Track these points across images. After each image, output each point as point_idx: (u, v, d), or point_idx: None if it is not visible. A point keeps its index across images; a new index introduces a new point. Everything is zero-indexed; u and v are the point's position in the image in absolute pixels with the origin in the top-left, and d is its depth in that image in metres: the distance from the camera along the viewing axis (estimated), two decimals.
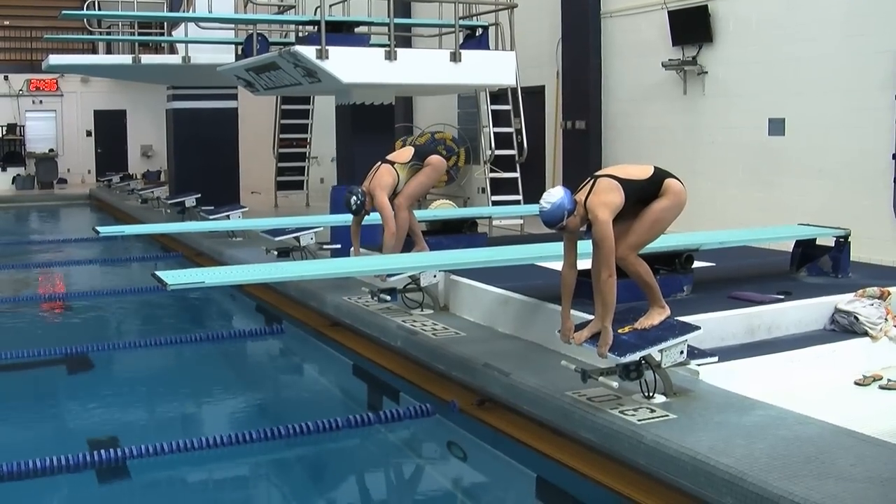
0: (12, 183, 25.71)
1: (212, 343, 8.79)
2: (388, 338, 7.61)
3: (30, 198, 24.60)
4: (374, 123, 11.74)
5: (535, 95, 15.71)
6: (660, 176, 5.65)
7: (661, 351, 5.23)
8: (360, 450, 6.14)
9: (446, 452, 6.31)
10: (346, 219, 9.13)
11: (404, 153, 8.89)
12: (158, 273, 6.42)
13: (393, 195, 8.64)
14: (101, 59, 20.22)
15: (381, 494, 5.77)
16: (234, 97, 17.52)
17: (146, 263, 13.44)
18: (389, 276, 7.80)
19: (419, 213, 9.73)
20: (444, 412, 6.32)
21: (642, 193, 5.54)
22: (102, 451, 5.49)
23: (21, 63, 26.49)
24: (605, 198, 5.36)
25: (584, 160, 14.28)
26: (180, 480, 5.67)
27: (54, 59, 16.56)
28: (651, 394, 5.26)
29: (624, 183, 5.45)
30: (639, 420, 4.95)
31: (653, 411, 5.07)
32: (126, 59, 16.11)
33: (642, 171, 5.64)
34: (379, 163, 8.82)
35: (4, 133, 26.30)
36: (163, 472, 5.55)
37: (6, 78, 26.47)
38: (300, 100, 18.63)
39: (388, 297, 7.87)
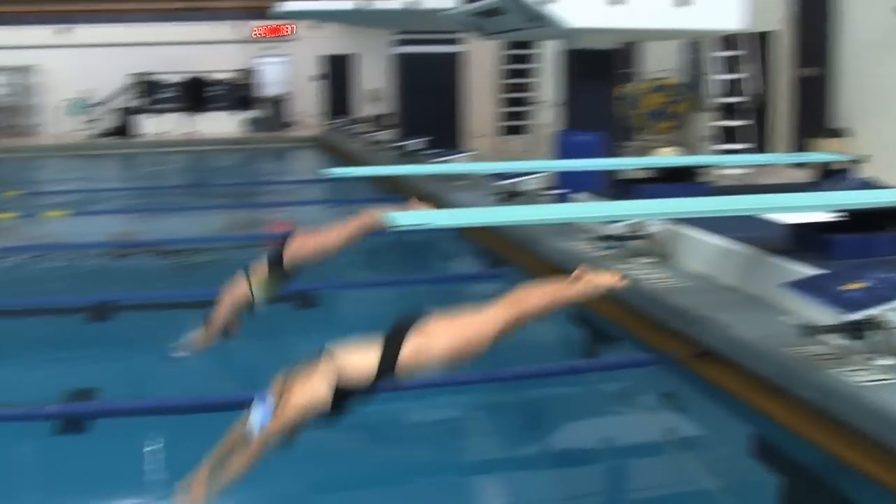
0: (244, 126, 27.11)
1: (433, 285, 9.03)
2: None
3: (260, 140, 25.85)
4: (596, 69, 11.70)
5: (762, 41, 15.15)
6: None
7: (891, 310, 5.06)
8: (575, 397, 6.22)
9: (662, 403, 6.34)
10: (572, 165, 9.13)
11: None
12: (386, 214, 6.62)
13: None
14: (329, 5, 20.90)
15: (594, 443, 5.86)
16: (460, 41, 17.76)
17: (371, 205, 13.88)
18: (611, 223, 7.84)
19: (645, 161, 9.56)
20: (661, 362, 6.35)
21: None
22: None
23: (251, 10, 27.69)
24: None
25: (815, 110, 13.72)
26: (396, 417, 5.87)
27: (285, 5, 17.23)
28: (876, 354, 5.11)
29: None
30: (861, 381, 4.84)
31: (877, 373, 4.94)
32: (351, 4, 16.58)
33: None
34: None
35: (237, 78, 27.71)
36: (379, 407, 5.79)
37: (237, 25, 27.87)
38: (525, 44, 18.70)
39: (611, 244, 7.93)
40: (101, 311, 8.27)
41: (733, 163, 12.88)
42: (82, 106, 26.73)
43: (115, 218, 13.73)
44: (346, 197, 14.83)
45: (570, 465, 5.56)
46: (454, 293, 9.14)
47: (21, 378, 6.79)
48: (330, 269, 10.14)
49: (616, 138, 12.32)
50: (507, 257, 9.74)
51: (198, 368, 6.29)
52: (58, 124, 26.96)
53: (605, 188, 9.65)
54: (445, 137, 16.22)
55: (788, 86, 14.79)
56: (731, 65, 14.41)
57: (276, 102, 27.63)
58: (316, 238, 6.21)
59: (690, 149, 16.57)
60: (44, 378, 6.71)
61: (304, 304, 8.33)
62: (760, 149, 13.33)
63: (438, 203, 12.15)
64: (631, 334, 7.00)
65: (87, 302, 8.53)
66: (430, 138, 16.14)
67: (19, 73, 27.76)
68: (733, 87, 14.19)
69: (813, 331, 5.22)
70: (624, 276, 4.56)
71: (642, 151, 14.72)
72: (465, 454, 5.70)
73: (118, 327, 7.96)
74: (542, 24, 10.91)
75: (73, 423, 5.74)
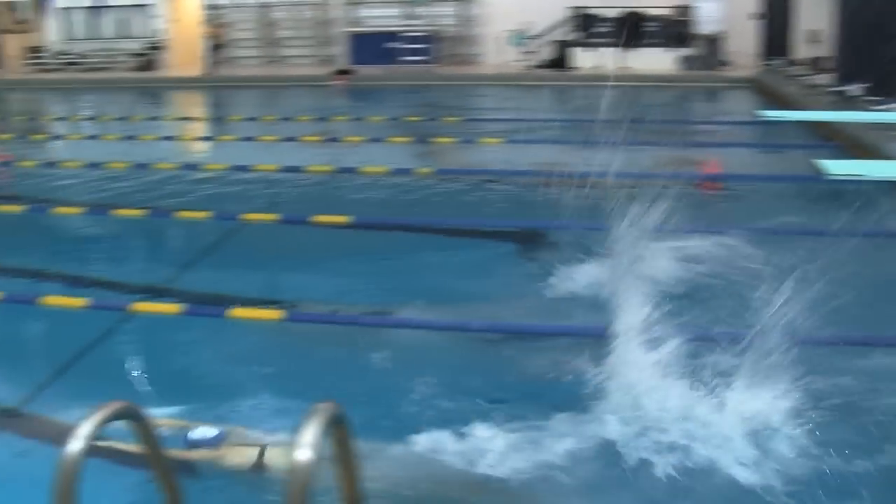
0: (678, 63, 26.90)
1: (862, 239, 8.63)
2: None
3: (693, 78, 25.56)
4: None
5: None
6: None
7: None
8: None
9: None
10: None
11: None
12: (820, 161, 6.46)
13: None
14: None
15: None
16: None
17: (804, 151, 13.45)
18: None
19: None
20: None
21: None
22: None
23: None
24: None
25: None
26: None
27: None
28: None
29: None
30: None
31: None
32: None
33: None
34: None
35: (673, 14, 27.48)
36: None
37: None
38: None
39: None
40: (531, 237, 8.80)
41: None
42: (521, 37, 27.83)
43: (546, 148, 14.32)
44: (779, 141, 14.44)
45: None
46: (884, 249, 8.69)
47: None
48: (755, 212, 10.04)
49: None
50: None
51: None
52: (498, 54, 28.32)
53: None
54: (888, 83, 15.19)
55: None
56: None
57: (712, 41, 27.12)
58: None
59: None
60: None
61: None
62: None
63: (877, 154, 11.51)
64: None
65: (516, 227, 9.12)
66: (870, 84, 15.22)
67: (464, 3, 29.41)
68: None
69: None
70: None
71: None
72: None
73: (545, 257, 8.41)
74: None
75: None
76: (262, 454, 4.94)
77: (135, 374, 6.33)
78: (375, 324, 7.02)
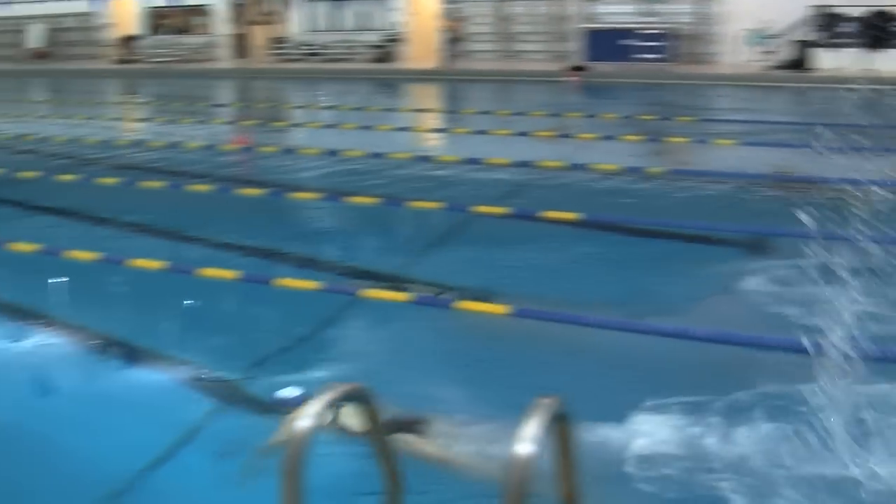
0: None
1: None
2: None
3: None
4: None
5: None
6: None
7: None
8: None
9: None
10: None
11: None
12: None
13: None
14: None
15: None
16: None
17: None
18: None
19: None
20: None
21: None
22: None
23: None
24: None
25: None
26: None
27: None
28: None
29: None
30: None
31: None
32: None
33: None
34: None
35: None
36: None
37: None
38: None
39: None
40: (757, 244, 8.51)
41: None
42: (760, 37, 26.88)
43: (782, 151, 13.77)
44: None
45: None
46: None
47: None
48: None
49: None
50: None
51: None
52: (734, 53, 27.46)
53: None
54: None
55: None
56: None
57: None
58: None
59: None
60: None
61: None
62: None
63: None
64: None
65: (746, 233, 8.84)
66: None
67: (703, 1, 28.65)
68: None
69: None
70: None
71: None
72: None
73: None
74: None
75: None
76: (336, 413, 4.95)
77: (356, 357, 6.53)
78: (599, 325, 6.96)
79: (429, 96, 25.65)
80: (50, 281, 8.55)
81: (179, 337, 7.01)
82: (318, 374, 6.01)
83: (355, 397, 3.30)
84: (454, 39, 29.02)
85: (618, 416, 5.27)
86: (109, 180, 12.81)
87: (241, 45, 34.79)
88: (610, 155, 13.49)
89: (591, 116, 18.42)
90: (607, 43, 27.31)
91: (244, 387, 6.01)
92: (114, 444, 5.38)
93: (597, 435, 4.93)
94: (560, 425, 3.02)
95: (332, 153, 14.29)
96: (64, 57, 38.13)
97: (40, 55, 37.58)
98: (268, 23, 34.95)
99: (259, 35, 34.49)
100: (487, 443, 5.05)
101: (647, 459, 4.85)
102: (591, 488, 3.25)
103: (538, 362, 6.30)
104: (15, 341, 7.09)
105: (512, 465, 2.73)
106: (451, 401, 5.58)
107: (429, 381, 5.96)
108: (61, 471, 5.10)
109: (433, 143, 17.14)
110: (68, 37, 38.74)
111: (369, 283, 7.94)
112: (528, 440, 2.77)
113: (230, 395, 5.95)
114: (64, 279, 8.58)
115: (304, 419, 3.02)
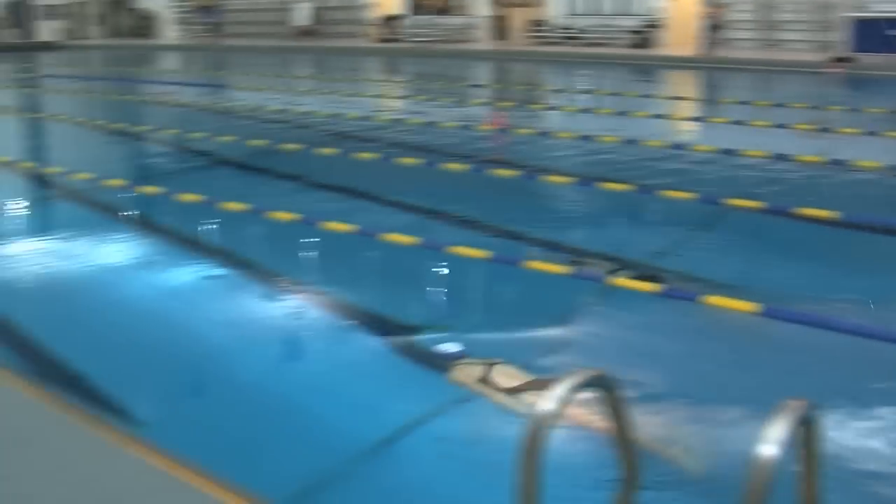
0: None
1: None
2: None
3: None
4: None
5: None
6: None
7: None
8: None
9: None
10: None
11: None
12: None
13: None
14: None
15: None
16: None
17: None
18: None
19: None
20: None
21: None
22: None
23: None
24: None
25: None
26: None
27: None
28: None
29: None
30: None
31: None
32: None
33: None
34: None
35: None
36: None
37: None
38: None
39: None
40: None
41: None
42: None
43: None
44: None
45: None
46: None
47: None
48: None
49: None
50: None
51: None
52: None
53: None
54: None
55: None
56: None
57: None
58: None
59: None
60: None
61: None
62: None
63: None
64: None
65: None
66: None
67: None
68: None
69: None
70: None
71: None
72: None
73: None
74: None
75: None
76: (488, 373, 5.66)
77: (596, 344, 6.51)
78: (854, 331, 6.63)
79: (686, 84, 25.11)
80: (304, 250, 9.02)
81: (426, 312, 7.22)
82: (561, 359, 6.06)
83: (599, 384, 3.30)
84: (714, 27, 28.24)
85: (872, 428, 5.03)
86: (367, 155, 13.33)
87: (499, 27, 35.22)
88: (873, 152, 12.77)
89: (855, 110, 17.47)
90: (875, 33, 25.80)
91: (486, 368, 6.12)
92: (358, 411, 5.63)
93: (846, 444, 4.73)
94: (807, 428, 2.93)
95: (586, 138, 14.27)
96: (328, 35, 39.90)
97: (306, 32, 39.45)
98: (527, 5, 35.20)
99: (518, 17, 34.79)
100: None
101: None
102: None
103: (787, 366, 6.09)
104: (268, 306, 7.51)
105: (754, 467, 2.69)
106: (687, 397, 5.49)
107: (668, 375, 5.87)
108: (304, 434, 5.37)
109: (688, 132, 16.78)
110: (332, 15, 40.47)
111: (615, 271, 7.90)
112: (772, 442, 2.71)
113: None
114: (318, 249, 9.03)
115: (548, 402, 3.05)
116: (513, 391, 5.53)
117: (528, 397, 5.36)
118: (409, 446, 5.17)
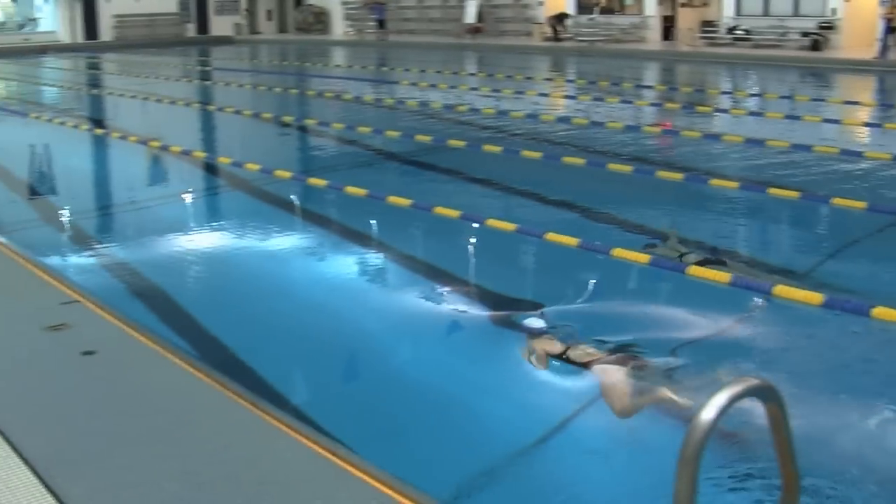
0: None
1: None
2: None
3: None
4: None
5: None
6: None
7: None
8: None
9: None
10: None
11: None
12: None
13: None
14: None
15: None
16: None
17: None
18: None
19: None
20: None
21: None
22: None
23: None
24: None
25: None
26: None
27: None
28: None
29: None
30: None
31: None
32: None
33: None
34: None
35: None
36: None
37: None
38: None
39: None
40: None
41: None
42: None
43: None
44: None
45: None
46: None
47: None
48: None
49: None
50: None
51: None
52: None
53: None
54: None
55: None
56: None
57: None
58: None
59: None
60: None
61: None
62: None
63: None
64: None
65: None
66: None
67: None
68: None
69: None
70: None
71: None
72: None
73: None
74: None
75: None
76: (566, 350, 6.22)
77: (760, 355, 6.38)
78: None
79: (861, 88, 24.17)
80: (464, 246, 9.15)
81: (586, 317, 7.17)
82: (722, 367, 5.97)
83: (761, 394, 3.27)
84: (892, 29, 27.05)
85: None
86: (532, 154, 13.38)
87: (669, 28, 34.72)
88: None
89: None
90: None
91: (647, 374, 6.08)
92: (516, 410, 5.70)
93: None
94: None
95: (756, 142, 13.95)
96: (496, 33, 40.10)
97: (474, 30, 39.76)
98: (696, 5, 34.57)
99: (689, 18, 34.20)
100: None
101: None
102: None
103: None
104: (430, 303, 7.60)
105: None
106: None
107: (833, 395, 5.70)
108: (465, 431, 5.46)
109: (862, 139, 16.19)
110: (500, 13, 40.66)
111: (780, 280, 7.71)
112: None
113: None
114: (478, 245, 9.14)
115: (710, 410, 3.04)
116: (585, 364, 5.97)
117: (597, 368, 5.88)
118: (559, 445, 5.22)
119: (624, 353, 6.05)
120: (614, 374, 5.79)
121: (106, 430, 4.48)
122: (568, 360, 6.09)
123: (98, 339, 5.72)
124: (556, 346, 6.27)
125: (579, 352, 6.12)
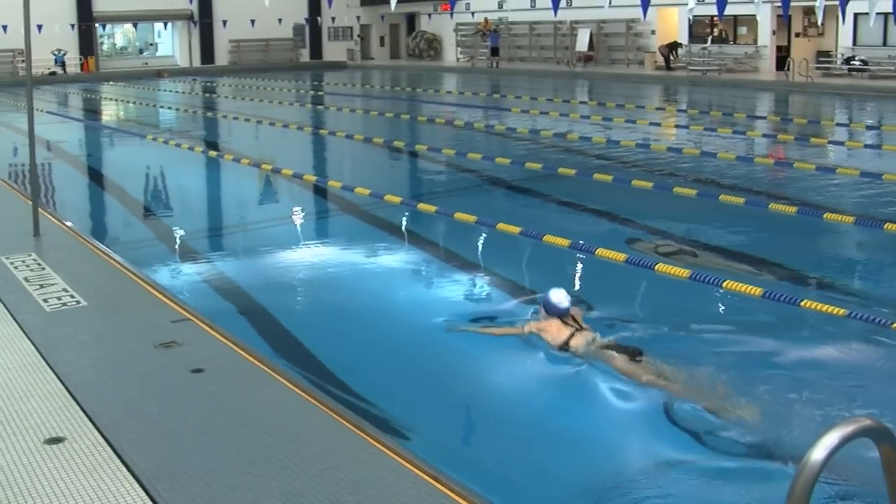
0: None
1: None
2: None
3: None
4: None
5: None
6: None
7: None
8: None
9: None
10: None
11: None
12: None
13: None
14: None
15: None
16: None
17: None
18: None
19: None
20: None
21: None
22: None
23: None
24: None
25: None
26: None
27: None
28: None
29: None
30: None
31: None
32: None
33: None
34: None
35: None
36: None
37: None
38: None
39: None
40: None
41: None
42: None
43: None
44: None
45: None
46: None
47: None
48: None
49: None
50: None
51: None
52: None
53: None
54: None
55: None
56: None
57: None
58: None
59: None
60: None
61: None
62: None
63: None
64: None
65: None
66: None
67: None
68: None
69: None
70: None
71: None
72: None
73: None
74: None
75: None
76: (570, 337, 6.77)
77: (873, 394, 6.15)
78: None
79: None
80: (571, 275, 9.06)
81: (691, 351, 6.99)
82: (836, 409, 5.78)
83: (873, 435, 3.14)
84: None
85: None
86: (643, 184, 13.21)
87: (783, 58, 34.08)
88: None
89: None
90: None
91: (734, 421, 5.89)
92: (612, 441, 5.62)
93: None
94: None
95: (871, 175, 13.54)
96: (608, 61, 39.89)
97: (586, 58, 39.62)
98: (813, 35, 33.85)
99: (804, 48, 33.51)
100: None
101: None
102: None
103: None
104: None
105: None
106: None
107: None
108: (561, 461, 5.42)
109: None
110: (613, 42, 40.43)
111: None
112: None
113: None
114: (585, 275, 9.05)
115: (820, 451, 2.93)
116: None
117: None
118: (660, 483, 5.11)
119: None
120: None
121: (212, 448, 4.54)
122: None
123: (207, 357, 5.82)
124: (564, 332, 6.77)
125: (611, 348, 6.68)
